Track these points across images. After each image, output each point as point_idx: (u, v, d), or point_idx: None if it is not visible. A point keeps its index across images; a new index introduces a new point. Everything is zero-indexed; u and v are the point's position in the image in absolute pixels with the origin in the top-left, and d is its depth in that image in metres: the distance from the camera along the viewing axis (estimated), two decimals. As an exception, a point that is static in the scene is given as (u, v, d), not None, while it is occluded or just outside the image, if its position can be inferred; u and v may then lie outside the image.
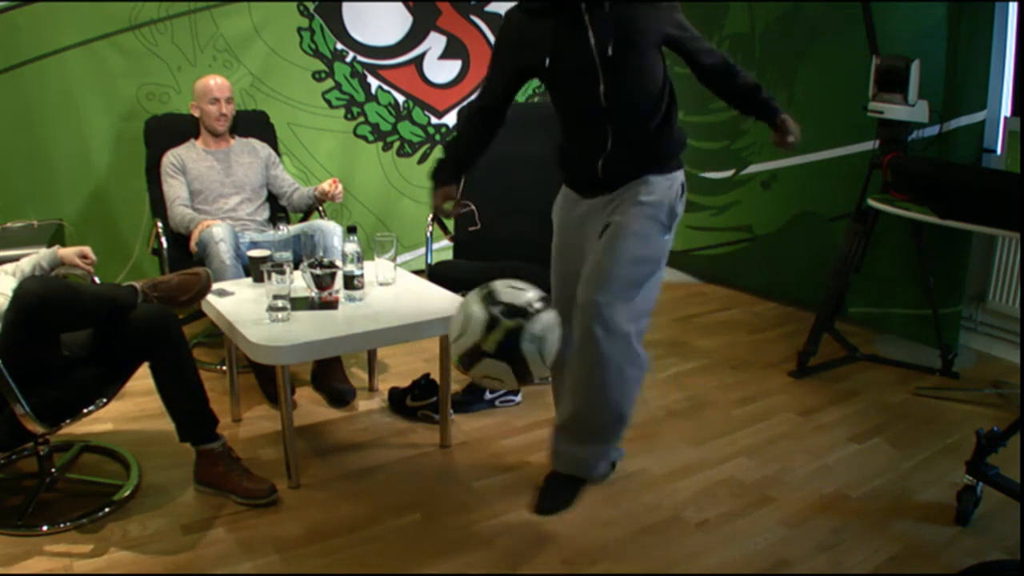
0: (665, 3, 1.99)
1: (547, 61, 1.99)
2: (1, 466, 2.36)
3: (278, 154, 3.39)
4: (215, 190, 3.12)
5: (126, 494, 2.23)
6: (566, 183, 2.19)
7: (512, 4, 2.06)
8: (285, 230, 2.90)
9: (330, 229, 2.99)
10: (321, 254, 2.88)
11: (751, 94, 2.07)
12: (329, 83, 3.93)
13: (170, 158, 3.12)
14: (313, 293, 2.43)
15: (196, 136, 3.22)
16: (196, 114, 3.18)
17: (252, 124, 3.41)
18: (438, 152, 2.24)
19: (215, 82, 3.14)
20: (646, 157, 2.04)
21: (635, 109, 2.00)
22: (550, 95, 2.11)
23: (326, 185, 3.10)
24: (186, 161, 3.12)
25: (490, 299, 1.75)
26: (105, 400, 2.12)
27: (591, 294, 1.94)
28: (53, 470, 2.25)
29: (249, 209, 3.17)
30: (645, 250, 1.99)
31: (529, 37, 2.01)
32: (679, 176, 2.09)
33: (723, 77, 2.08)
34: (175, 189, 3.07)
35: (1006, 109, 3.28)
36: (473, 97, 2.16)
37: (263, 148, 3.32)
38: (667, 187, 2.04)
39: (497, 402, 2.88)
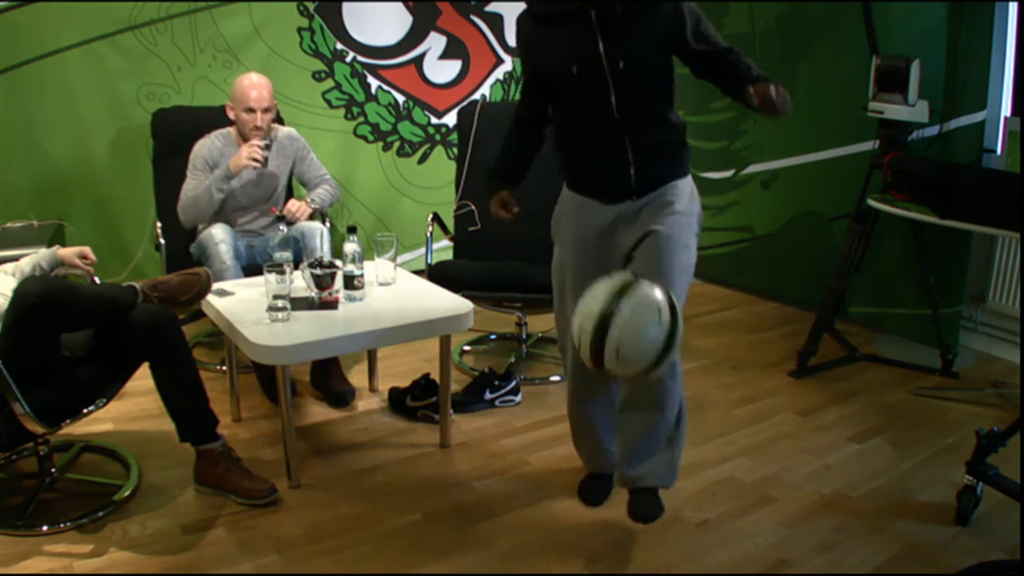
0: (682, 9, 1.87)
1: (559, 68, 1.96)
2: (1, 466, 2.36)
3: None
4: (238, 203, 3.00)
5: (126, 494, 2.23)
6: (585, 192, 2.07)
7: (512, 4, 2.05)
8: (285, 230, 2.90)
9: (312, 230, 2.92)
10: (320, 254, 2.88)
11: (740, 71, 1.86)
12: (329, 83, 3.93)
13: (206, 151, 2.92)
14: (313, 293, 2.43)
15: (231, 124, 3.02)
16: (231, 116, 2.96)
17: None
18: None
19: (255, 92, 2.87)
20: (668, 163, 2.02)
21: (647, 117, 1.97)
22: (553, 105, 2.06)
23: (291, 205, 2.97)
24: (221, 162, 2.91)
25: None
26: (105, 400, 2.12)
27: None
28: (53, 470, 2.25)
29: (263, 223, 3.09)
30: (689, 258, 2.03)
31: (542, 41, 1.99)
32: (691, 179, 2.08)
33: (724, 68, 1.90)
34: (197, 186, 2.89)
35: (1006, 109, 3.27)
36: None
37: (291, 144, 3.11)
38: (691, 192, 2.05)
39: (497, 402, 2.88)
